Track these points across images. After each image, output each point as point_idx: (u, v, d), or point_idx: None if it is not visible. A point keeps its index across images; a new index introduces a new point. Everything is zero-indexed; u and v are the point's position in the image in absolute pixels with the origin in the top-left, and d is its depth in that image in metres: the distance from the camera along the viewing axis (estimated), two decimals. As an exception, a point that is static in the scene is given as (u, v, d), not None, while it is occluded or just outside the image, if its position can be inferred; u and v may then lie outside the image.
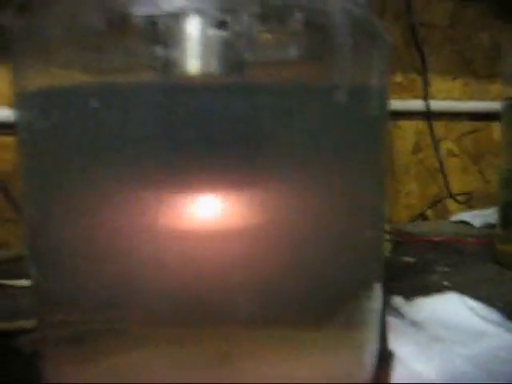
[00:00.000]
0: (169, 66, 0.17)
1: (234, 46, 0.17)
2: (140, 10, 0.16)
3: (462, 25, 0.73)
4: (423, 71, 0.63)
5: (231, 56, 0.17)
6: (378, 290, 0.26)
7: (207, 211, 0.20)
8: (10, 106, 0.57)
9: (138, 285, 0.21)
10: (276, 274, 0.21)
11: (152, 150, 0.18)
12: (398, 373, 0.26)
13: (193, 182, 0.19)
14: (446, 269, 0.47)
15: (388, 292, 0.35)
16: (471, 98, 0.75)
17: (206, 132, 0.18)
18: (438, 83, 0.73)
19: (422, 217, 0.74)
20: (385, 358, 0.27)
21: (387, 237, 0.56)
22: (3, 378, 0.28)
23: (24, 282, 0.43)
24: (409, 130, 0.74)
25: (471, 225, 0.67)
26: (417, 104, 0.71)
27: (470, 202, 0.72)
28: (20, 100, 0.22)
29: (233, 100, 0.18)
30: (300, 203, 0.21)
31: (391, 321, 0.31)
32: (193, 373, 0.21)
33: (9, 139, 0.59)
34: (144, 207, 0.20)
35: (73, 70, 0.18)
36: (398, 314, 0.32)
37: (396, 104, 0.70)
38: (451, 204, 0.76)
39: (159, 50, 0.16)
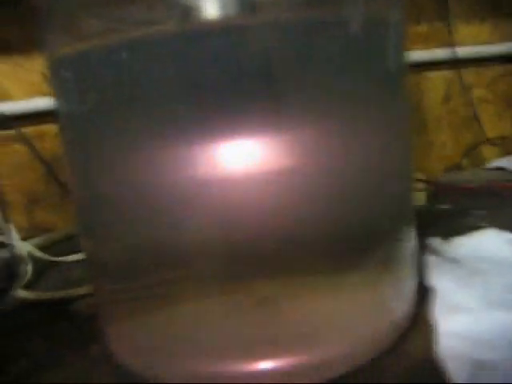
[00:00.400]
0: (187, 12, 0.18)
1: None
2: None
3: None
4: (446, 17, 0.61)
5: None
6: (411, 232, 0.26)
7: (244, 157, 0.21)
8: (45, 95, 0.59)
9: (184, 240, 0.22)
10: (314, 218, 0.22)
11: (183, 100, 0.19)
12: (438, 305, 0.26)
13: (225, 128, 0.20)
14: (483, 212, 0.46)
15: (426, 235, 0.35)
16: (501, 40, 0.73)
17: (232, 76, 0.19)
18: (464, 28, 0.71)
19: (458, 166, 0.73)
20: (424, 293, 0.28)
21: (422, 187, 0.55)
22: (63, 337, 0.30)
23: (74, 257, 0.45)
24: (437, 79, 0.73)
25: (507, 170, 0.65)
26: (444, 52, 0.69)
27: (506, 145, 0.70)
28: (53, 66, 0.23)
29: (256, 40, 0.18)
30: (328, 150, 0.22)
31: (431, 259, 0.31)
32: (232, 319, 0.22)
33: (46, 127, 0.62)
34: (188, 162, 0.20)
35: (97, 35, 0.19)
36: (438, 253, 0.33)
37: (422, 54, 0.69)
38: (486, 151, 0.74)
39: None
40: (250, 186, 0.21)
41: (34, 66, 0.61)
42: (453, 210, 0.49)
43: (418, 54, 0.68)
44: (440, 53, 0.70)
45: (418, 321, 0.26)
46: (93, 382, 0.25)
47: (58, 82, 0.24)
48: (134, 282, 0.24)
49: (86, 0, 0.19)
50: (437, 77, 0.72)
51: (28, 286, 0.39)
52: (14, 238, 0.44)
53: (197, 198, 0.21)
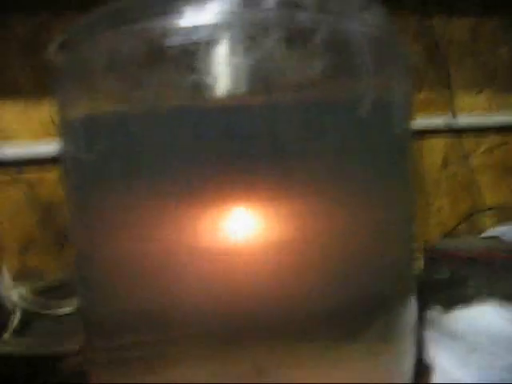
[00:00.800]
0: (200, 89, 0.18)
1: (260, 69, 0.18)
2: (174, 40, 0.17)
3: (482, 38, 0.73)
4: (447, 85, 0.63)
5: (257, 78, 0.18)
6: (411, 303, 0.26)
7: (246, 227, 0.21)
8: (49, 141, 0.59)
9: (181, 305, 0.21)
10: (316, 288, 0.22)
11: (187, 169, 0.19)
12: (437, 380, 0.26)
13: (231, 198, 0.20)
14: (481, 281, 0.46)
15: (424, 306, 0.35)
16: (497, 111, 0.75)
17: (238, 151, 0.19)
18: (462, 98, 0.73)
19: (454, 233, 0.73)
20: (424, 368, 0.27)
21: (419, 254, 0.55)
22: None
23: (64, 310, 0.44)
24: (437, 145, 0.74)
25: (501, 240, 0.65)
26: (443, 120, 0.71)
27: (503, 212, 0.71)
28: (65, 128, 0.24)
29: (262, 119, 0.19)
30: (332, 219, 0.22)
31: (429, 333, 0.31)
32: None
33: (47, 173, 0.62)
34: (188, 227, 0.21)
35: (111, 98, 0.19)
36: (436, 326, 0.32)
37: (422, 121, 0.70)
38: (483, 218, 0.74)
39: (192, 76, 0.17)
40: (251, 255, 0.21)
41: (43, 111, 0.62)
42: (450, 279, 0.48)
43: (418, 121, 0.69)
44: (440, 120, 0.71)
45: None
46: None
47: (68, 143, 0.24)
48: (126, 342, 0.23)
49: (103, 63, 0.20)
50: (436, 142, 0.74)
51: (15, 336, 0.37)
52: (7, 286, 0.43)
53: (196, 263, 0.21)
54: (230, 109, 0.19)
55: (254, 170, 0.20)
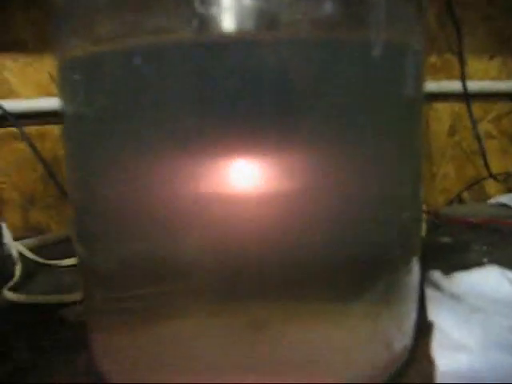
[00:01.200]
0: (205, 24, 0.17)
1: (269, 4, 0.17)
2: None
3: (498, 2, 0.71)
4: (460, 51, 0.62)
5: (266, 13, 0.17)
6: (415, 265, 0.26)
7: (249, 176, 0.21)
8: (50, 95, 0.59)
9: (180, 255, 0.21)
10: (317, 243, 0.21)
11: (192, 112, 0.19)
12: (437, 342, 0.26)
13: (233, 145, 0.20)
14: (485, 247, 0.46)
15: (426, 269, 0.34)
16: (509, 77, 0.73)
17: (245, 92, 0.18)
18: (474, 63, 0.71)
19: (459, 199, 0.73)
20: (424, 328, 0.27)
21: (423, 218, 0.55)
22: (49, 343, 0.29)
23: (66, 262, 0.45)
24: (444, 111, 0.73)
25: (510, 207, 0.65)
26: (453, 85, 0.69)
27: (510, 181, 0.70)
28: (63, 67, 0.23)
29: (270, 57, 0.18)
30: (338, 175, 0.21)
31: (430, 293, 0.31)
32: (227, 340, 0.21)
33: (49, 128, 0.61)
34: (191, 176, 0.20)
35: (113, 35, 0.18)
36: (438, 287, 0.32)
37: (431, 85, 0.69)
38: (489, 186, 0.74)
39: (197, 8, 0.17)
40: (253, 206, 0.21)
41: (44, 67, 0.61)
42: (454, 244, 0.48)
43: (427, 85, 0.68)
44: (449, 85, 0.70)
45: (417, 356, 0.25)
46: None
47: (66, 83, 0.23)
48: (124, 294, 0.23)
49: (102, 3, 0.19)
50: (444, 108, 0.73)
51: (16, 288, 0.38)
52: (6, 236, 0.43)
53: (197, 213, 0.20)
54: (237, 45, 0.18)
55: (260, 118, 0.19)
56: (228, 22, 0.18)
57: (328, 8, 0.18)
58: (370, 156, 0.22)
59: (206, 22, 0.18)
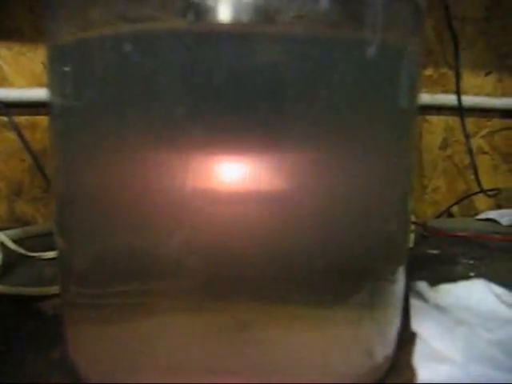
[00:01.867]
0: (200, 14, 0.17)
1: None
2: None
3: (497, 18, 0.72)
4: (456, 65, 0.62)
5: (262, 7, 0.17)
6: (401, 274, 0.25)
7: (237, 174, 0.20)
8: (42, 86, 0.58)
9: (164, 251, 0.21)
10: (303, 246, 0.21)
11: (182, 104, 0.18)
12: (419, 352, 0.25)
13: (222, 141, 0.19)
14: (472, 261, 0.46)
15: (412, 280, 0.34)
16: (504, 94, 0.73)
17: (238, 85, 0.18)
18: (470, 78, 0.72)
19: (448, 213, 0.73)
20: (407, 337, 0.27)
21: (412, 229, 0.55)
22: (25, 335, 0.28)
23: (48, 255, 0.44)
24: (438, 125, 0.73)
25: (498, 223, 0.65)
26: (447, 98, 0.70)
27: (500, 197, 0.70)
28: (52, 54, 0.23)
29: (263, 51, 0.17)
30: (328, 178, 0.21)
31: (415, 303, 0.30)
32: (209, 340, 0.21)
33: (39, 119, 0.61)
34: (179, 171, 0.20)
35: (108, 20, 0.18)
36: (423, 298, 0.32)
37: (426, 97, 0.69)
38: (479, 202, 0.74)
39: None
40: (237, 205, 0.20)
41: (38, 57, 0.60)
42: (441, 256, 0.48)
43: (422, 97, 0.68)
44: (444, 98, 0.70)
45: (399, 365, 0.25)
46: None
47: (55, 70, 0.23)
48: (102, 289, 0.22)
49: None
50: (437, 122, 0.73)
51: (-3, 278, 0.37)
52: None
53: (183, 209, 0.20)
54: (230, 37, 0.18)
55: (250, 114, 0.19)
56: (223, 13, 0.17)
57: (325, 4, 0.17)
58: (359, 160, 0.22)
59: (201, 12, 0.17)
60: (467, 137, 0.61)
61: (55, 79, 0.23)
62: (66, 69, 0.21)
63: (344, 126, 0.21)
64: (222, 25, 0.17)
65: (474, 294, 0.32)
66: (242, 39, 0.18)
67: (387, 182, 0.24)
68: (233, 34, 0.17)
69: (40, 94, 0.59)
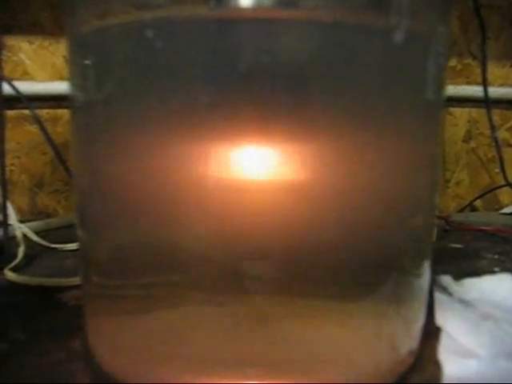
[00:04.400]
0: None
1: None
2: None
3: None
4: (484, 55, 0.60)
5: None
6: (426, 268, 0.25)
7: (260, 163, 0.20)
8: (64, 79, 0.58)
9: (185, 243, 0.20)
10: (328, 238, 0.20)
11: (204, 92, 0.18)
12: (445, 346, 0.25)
13: (245, 130, 0.19)
14: (496, 256, 0.45)
15: (436, 273, 0.34)
16: (530, 85, 0.72)
17: (261, 73, 0.18)
18: (494, 69, 0.70)
19: (471, 207, 0.72)
20: (431, 332, 0.26)
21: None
22: (46, 325, 0.29)
23: (70, 246, 0.44)
24: (461, 117, 0.72)
25: (522, 217, 0.64)
26: (471, 90, 0.68)
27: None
28: (73, 45, 0.23)
29: (286, 36, 0.17)
30: (355, 169, 0.21)
31: (439, 297, 0.30)
32: (230, 332, 0.21)
33: (61, 112, 0.61)
34: (199, 161, 0.19)
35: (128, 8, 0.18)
36: (447, 292, 0.31)
37: (449, 89, 0.68)
38: (502, 196, 0.73)
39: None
40: (261, 196, 0.20)
41: (59, 51, 0.61)
42: (464, 251, 0.47)
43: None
44: (468, 90, 0.69)
45: (424, 359, 0.24)
46: (65, 375, 0.23)
47: (75, 61, 0.23)
48: (124, 280, 0.22)
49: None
50: (461, 114, 0.71)
51: (18, 269, 0.37)
52: (12, 217, 0.43)
53: (206, 200, 0.20)
54: (254, 22, 0.17)
55: (276, 102, 0.18)
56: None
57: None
58: (386, 151, 0.21)
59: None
60: (493, 129, 0.60)
61: (76, 71, 0.23)
62: (87, 61, 0.21)
63: (370, 116, 0.20)
64: (246, 10, 0.17)
65: (501, 288, 0.31)
66: (265, 25, 0.17)
67: (414, 174, 0.23)
68: (256, 20, 0.17)
69: (61, 87, 0.59)
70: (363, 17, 0.18)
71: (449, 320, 0.27)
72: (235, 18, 0.17)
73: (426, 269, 0.25)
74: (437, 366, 0.23)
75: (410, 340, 0.24)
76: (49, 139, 0.53)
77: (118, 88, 0.21)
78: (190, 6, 0.17)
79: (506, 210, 0.68)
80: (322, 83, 0.18)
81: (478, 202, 0.72)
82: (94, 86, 0.22)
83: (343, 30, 0.18)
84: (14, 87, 0.48)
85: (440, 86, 0.24)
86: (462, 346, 0.25)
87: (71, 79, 0.24)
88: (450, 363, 0.23)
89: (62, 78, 0.61)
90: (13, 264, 0.38)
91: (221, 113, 0.19)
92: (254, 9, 0.17)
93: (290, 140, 0.19)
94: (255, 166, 0.20)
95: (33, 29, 0.60)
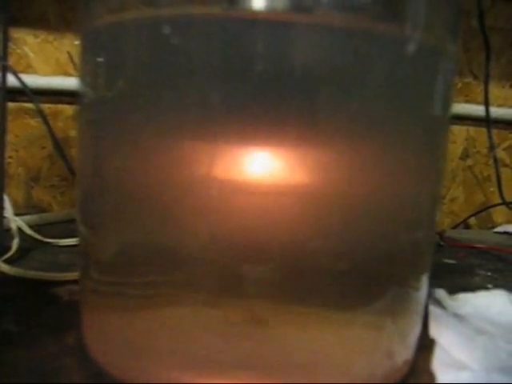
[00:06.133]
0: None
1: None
2: None
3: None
4: (487, 75, 0.61)
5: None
6: (424, 282, 0.25)
7: (264, 166, 0.20)
8: (66, 74, 0.58)
9: (183, 243, 0.20)
10: (327, 244, 0.20)
11: (214, 92, 0.18)
12: (438, 358, 0.25)
13: (253, 132, 0.19)
14: (489, 273, 0.45)
15: (431, 286, 0.34)
16: (528, 107, 0.73)
17: (272, 75, 0.18)
18: (494, 89, 0.71)
19: (465, 225, 0.72)
20: (425, 344, 0.26)
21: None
22: (38, 319, 0.28)
23: (64, 241, 0.44)
24: (459, 134, 0.72)
25: (515, 236, 0.64)
26: (470, 108, 0.69)
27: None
28: (84, 40, 0.23)
29: (298, 40, 0.17)
30: (356, 174, 0.21)
31: (433, 310, 0.30)
32: (225, 333, 0.20)
33: (62, 107, 0.61)
34: (200, 161, 0.19)
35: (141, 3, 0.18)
36: (441, 305, 0.31)
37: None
38: (496, 215, 0.73)
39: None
40: (262, 199, 0.20)
41: (63, 46, 0.61)
42: (458, 266, 0.47)
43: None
44: (467, 108, 0.69)
45: (418, 370, 0.24)
46: (58, 370, 0.23)
47: (87, 56, 0.23)
48: (123, 278, 0.22)
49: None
50: (459, 131, 0.72)
51: (12, 262, 0.37)
52: (8, 210, 0.42)
53: (208, 201, 0.20)
54: (265, 25, 0.17)
55: (285, 105, 0.19)
56: (259, 0, 0.17)
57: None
58: (389, 163, 0.21)
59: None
60: (492, 147, 0.60)
61: (87, 67, 0.23)
62: (99, 58, 0.21)
63: (377, 125, 0.20)
64: (260, 12, 0.17)
65: (495, 304, 0.31)
66: (277, 28, 0.17)
67: (417, 187, 0.23)
68: (269, 23, 0.17)
69: (64, 82, 0.59)
70: (377, 25, 0.18)
71: (443, 333, 0.27)
72: (251, 18, 0.17)
73: (425, 282, 0.25)
74: (431, 376, 0.24)
75: (405, 351, 0.24)
76: (51, 133, 0.52)
77: (130, 85, 0.21)
78: (202, 6, 0.17)
79: (499, 229, 0.68)
80: (331, 89, 0.18)
81: (471, 220, 0.73)
82: (104, 82, 0.22)
83: (356, 37, 0.18)
84: (20, 80, 0.48)
85: (447, 102, 0.24)
86: (455, 359, 0.25)
87: (81, 75, 0.23)
88: (444, 375, 0.23)
89: (65, 74, 0.61)
90: (6, 256, 0.38)
91: (230, 114, 0.19)
92: (268, 11, 0.17)
93: (296, 144, 0.19)
94: (259, 169, 0.20)
95: (38, 23, 0.60)
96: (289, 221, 0.20)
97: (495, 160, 0.61)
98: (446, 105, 0.24)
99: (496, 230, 0.69)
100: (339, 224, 0.21)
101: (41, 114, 0.51)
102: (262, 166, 0.20)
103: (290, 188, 0.20)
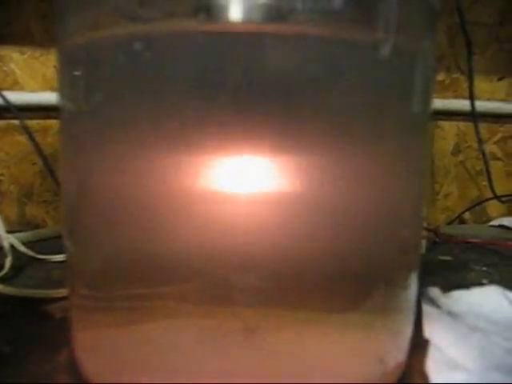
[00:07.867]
0: (212, 13, 0.17)
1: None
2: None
3: (510, 23, 0.71)
4: (470, 70, 0.61)
5: (274, 6, 0.17)
6: (413, 280, 0.25)
7: (248, 175, 0.20)
8: (54, 90, 0.58)
9: (170, 255, 0.20)
10: (314, 249, 0.21)
11: (192, 105, 0.18)
12: (433, 358, 0.25)
13: (233, 142, 0.19)
14: (484, 268, 0.45)
15: (424, 285, 0.34)
16: (516, 99, 0.73)
17: (250, 86, 0.18)
18: (481, 83, 0.71)
19: (460, 220, 0.72)
20: (419, 344, 0.26)
21: (423, 235, 0.54)
22: (32, 337, 0.28)
23: (58, 257, 0.44)
24: (450, 130, 0.72)
25: (511, 229, 0.64)
26: (459, 104, 0.69)
27: (512, 204, 0.70)
28: (62, 56, 0.23)
29: (275, 50, 0.17)
30: (342, 181, 0.21)
31: (427, 309, 0.30)
32: (216, 343, 0.20)
33: (51, 122, 0.61)
34: (187, 173, 0.19)
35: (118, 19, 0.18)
36: (435, 304, 0.31)
37: (438, 103, 0.69)
38: (490, 209, 0.73)
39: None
40: (249, 208, 0.20)
41: (50, 61, 0.61)
42: (453, 263, 0.47)
43: (433, 102, 0.67)
44: (456, 104, 0.70)
45: (411, 372, 0.24)
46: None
47: (65, 72, 0.23)
48: (111, 292, 0.22)
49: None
50: (449, 127, 0.72)
51: (5, 280, 0.37)
52: (0, 227, 0.42)
53: (193, 212, 0.20)
54: (243, 37, 0.17)
55: (263, 115, 0.19)
56: (235, 12, 0.17)
57: (338, 4, 0.17)
58: (372, 164, 0.21)
59: (213, 12, 0.17)
60: (480, 142, 0.60)
61: (66, 81, 0.23)
62: (77, 72, 0.21)
63: (356, 129, 0.20)
64: (234, 25, 0.17)
65: (488, 300, 0.31)
66: (253, 39, 0.17)
67: (401, 186, 0.23)
68: (245, 34, 0.17)
69: (51, 97, 0.59)
70: (351, 31, 0.18)
71: (437, 332, 0.27)
72: (224, 31, 0.17)
73: (413, 281, 0.25)
74: (424, 378, 0.23)
75: (397, 351, 0.24)
76: (38, 149, 0.52)
77: (107, 99, 0.21)
78: (179, 20, 0.17)
79: (494, 223, 0.69)
80: (309, 97, 0.18)
81: (466, 215, 0.73)
82: (83, 96, 0.22)
83: (331, 45, 0.18)
84: (3, 97, 0.48)
85: (427, 100, 0.24)
86: (450, 359, 0.25)
87: (60, 89, 0.24)
88: (438, 375, 0.23)
89: (52, 89, 0.60)
90: (1, 273, 0.38)
91: (209, 126, 0.19)
92: (243, 23, 0.17)
93: (277, 153, 0.19)
94: (243, 179, 0.20)
95: (24, 39, 0.60)
96: (274, 228, 0.20)
97: (483, 154, 0.61)
98: (426, 102, 0.24)
99: (491, 223, 0.69)
100: (323, 228, 0.21)
101: (26, 130, 0.51)
102: (243, 176, 0.20)
103: (272, 195, 0.20)
